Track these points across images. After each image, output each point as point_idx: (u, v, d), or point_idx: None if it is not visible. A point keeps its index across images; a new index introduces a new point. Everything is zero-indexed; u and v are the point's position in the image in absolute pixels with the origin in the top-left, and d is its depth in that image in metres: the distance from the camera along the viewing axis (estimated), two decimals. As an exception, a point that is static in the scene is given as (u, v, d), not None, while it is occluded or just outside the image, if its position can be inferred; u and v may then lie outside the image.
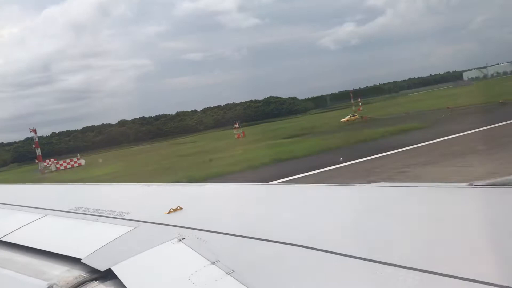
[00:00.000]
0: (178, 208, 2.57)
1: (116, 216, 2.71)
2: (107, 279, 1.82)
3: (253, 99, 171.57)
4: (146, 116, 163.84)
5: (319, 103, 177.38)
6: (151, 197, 3.56)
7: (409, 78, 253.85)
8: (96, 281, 1.84)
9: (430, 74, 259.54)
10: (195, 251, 1.82)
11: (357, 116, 73.25)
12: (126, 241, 2.20)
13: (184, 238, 1.99)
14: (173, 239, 2.00)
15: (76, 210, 3.09)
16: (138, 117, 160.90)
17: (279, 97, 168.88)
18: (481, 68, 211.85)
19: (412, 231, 1.68)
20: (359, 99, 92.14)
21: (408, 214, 1.93)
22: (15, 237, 2.72)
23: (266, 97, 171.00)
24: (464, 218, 1.73)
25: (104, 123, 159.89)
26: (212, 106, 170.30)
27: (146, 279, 1.76)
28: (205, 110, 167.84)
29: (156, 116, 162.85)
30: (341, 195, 2.56)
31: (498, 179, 2.05)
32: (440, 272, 1.24)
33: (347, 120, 71.11)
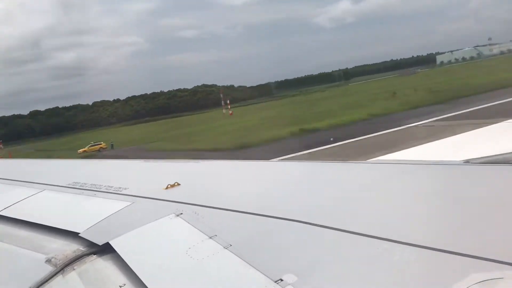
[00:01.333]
0: (176, 184, 2.59)
1: (113, 192, 2.71)
2: (105, 253, 1.84)
3: (182, 88, 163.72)
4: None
5: (263, 92, 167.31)
6: (148, 173, 3.56)
7: (382, 61, 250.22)
8: (94, 255, 1.86)
9: (402, 58, 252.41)
10: (192, 226, 1.84)
11: (103, 145, 54.83)
12: (124, 216, 2.21)
13: (181, 214, 2.00)
14: (171, 214, 2.01)
15: (73, 185, 3.07)
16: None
17: (213, 85, 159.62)
18: (453, 51, 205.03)
19: (409, 207, 1.70)
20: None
21: (405, 190, 1.96)
22: (13, 211, 2.70)
23: (197, 85, 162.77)
24: (460, 194, 1.76)
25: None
26: (136, 95, 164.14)
27: (144, 253, 1.78)
28: (128, 100, 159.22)
29: (69, 106, 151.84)
30: (338, 172, 2.58)
31: (494, 157, 2.09)
32: (436, 247, 1.26)
33: (86, 150, 52.95)
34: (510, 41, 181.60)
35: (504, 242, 1.23)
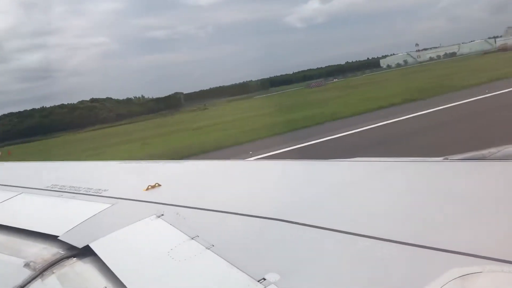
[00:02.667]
0: (156, 185, 2.58)
1: (93, 194, 2.66)
2: (85, 256, 1.82)
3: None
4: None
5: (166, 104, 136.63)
6: (128, 174, 3.50)
7: (327, 66, 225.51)
8: (74, 258, 1.84)
9: (347, 62, 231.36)
10: (174, 227, 1.83)
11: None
12: (104, 218, 2.19)
13: (163, 215, 2.00)
14: (152, 215, 2.01)
15: (52, 187, 3.01)
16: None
17: (98, 99, 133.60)
18: (386, 56, 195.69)
19: (390, 205, 1.72)
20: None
21: (386, 187, 1.98)
22: None
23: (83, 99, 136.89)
24: (439, 191, 1.79)
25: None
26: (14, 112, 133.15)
27: (125, 255, 1.77)
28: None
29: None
30: (320, 170, 2.60)
31: (473, 153, 2.12)
32: (417, 243, 1.28)
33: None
34: (453, 45, 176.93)
35: (483, 237, 1.26)
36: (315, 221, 1.59)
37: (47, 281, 1.72)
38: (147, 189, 2.55)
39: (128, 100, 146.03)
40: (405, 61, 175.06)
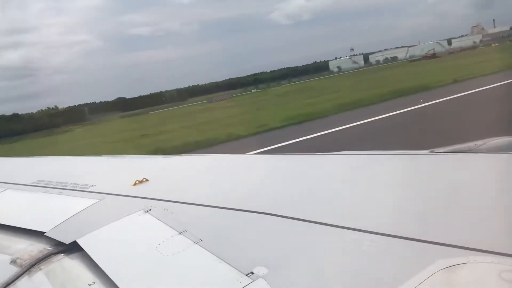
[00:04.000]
0: (144, 180, 2.57)
1: (80, 189, 2.62)
2: (72, 252, 1.81)
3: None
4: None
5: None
6: (115, 169, 3.47)
7: (279, 68, 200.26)
8: (61, 254, 1.82)
9: (302, 64, 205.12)
10: (162, 222, 1.83)
11: None
12: (91, 213, 2.18)
13: (150, 210, 2.00)
14: (140, 210, 2.01)
15: (38, 183, 2.98)
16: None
17: None
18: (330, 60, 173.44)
19: (376, 197, 1.73)
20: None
21: (372, 180, 1.99)
22: None
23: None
24: (426, 184, 1.80)
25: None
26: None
27: (113, 250, 1.76)
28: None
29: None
30: (307, 164, 2.62)
31: (458, 146, 2.14)
32: (403, 235, 1.29)
33: None
34: (397, 47, 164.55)
35: (468, 229, 1.28)
36: (302, 215, 1.61)
37: (34, 278, 1.69)
38: (135, 184, 2.54)
39: (15, 115, 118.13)
40: (339, 68, 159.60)
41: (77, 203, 2.31)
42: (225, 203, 1.93)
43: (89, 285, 1.54)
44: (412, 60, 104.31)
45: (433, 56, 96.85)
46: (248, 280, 1.26)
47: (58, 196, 2.59)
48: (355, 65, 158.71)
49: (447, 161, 2.06)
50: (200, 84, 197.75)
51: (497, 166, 1.87)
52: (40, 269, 1.74)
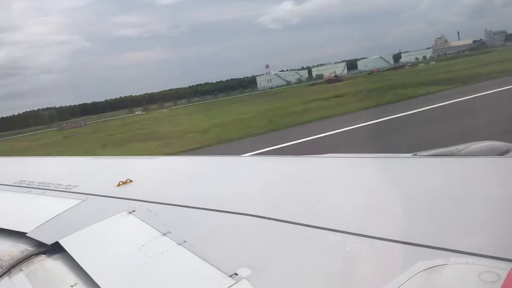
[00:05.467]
0: (128, 180, 2.56)
1: (63, 190, 2.60)
2: (54, 253, 1.79)
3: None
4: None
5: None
6: (99, 170, 3.44)
7: (219, 81, 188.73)
8: (43, 255, 1.80)
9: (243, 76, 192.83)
10: (145, 223, 1.82)
11: None
12: (74, 214, 2.16)
13: (134, 211, 1.98)
14: (123, 211, 1.99)
15: (20, 183, 2.94)
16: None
17: None
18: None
19: (359, 199, 1.75)
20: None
21: (356, 183, 2.01)
22: None
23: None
24: (408, 186, 1.82)
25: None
26: None
27: (96, 251, 1.74)
28: None
29: None
30: (291, 166, 2.63)
31: (440, 150, 2.17)
32: (385, 237, 1.31)
33: None
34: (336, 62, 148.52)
35: (448, 230, 1.30)
36: (286, 217, 1.61)
37: (15, 279, 1.67)
38: (119, 185, 2.52)
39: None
40: (270, 81, 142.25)
41: (60, 204, 2.29)
42: (209, 204, 1.93)
43: (71, 286, 1.53)
44: (313, 84, 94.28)
45: (336, 79, 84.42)
46: (231, 281, 1.26)
47: (41, 196, 2.56)
48: (271, 84, 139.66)
49: (429, 164, 2.08)
50: (133, 95, 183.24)
51: (478, 170, 1.90)
52: (21, 270, 1.72)
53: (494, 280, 1.00)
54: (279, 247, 1.44)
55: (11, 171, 3.86)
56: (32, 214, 2.32)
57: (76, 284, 1.52)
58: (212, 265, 1.37)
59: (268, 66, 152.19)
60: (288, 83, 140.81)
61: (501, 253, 1.09)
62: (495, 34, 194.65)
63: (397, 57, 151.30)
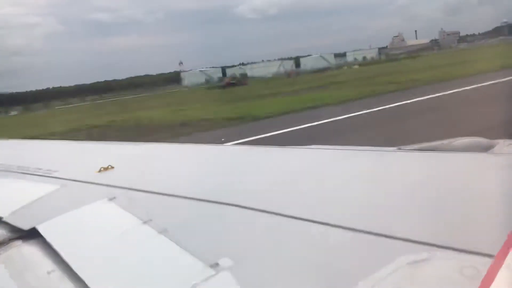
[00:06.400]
0: (109, 167, 2.52)
1: (42, 174, 2.56)
2: (31, 239, 1.75)
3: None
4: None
5: None
6: (80, 155, 3.39)
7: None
8: (19, 240, 1.77)
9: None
10: (126, 210, 1.80)
11: None
12: (53, 199, 2.12)
13: (114, 198, 1.95)
14: (104, 198, 1.96)
15: None
16: None
17: None
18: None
19: (343, 192, 1.75)
20: None
21: (339, 175, 2.01)
22: None
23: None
24: (391, 180, 1.83)
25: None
26: None
27: (74, 238, 1.71)
28: None
29: None
30: (275, 157, 2.62)
31: (425, 144, 2.17)
32: (368, 230, 1.30)
33: None
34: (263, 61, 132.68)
35: (430, 225, 1.30)
36: (268, 207, 1.61)
37: None
38: (100, 171, 2.49)
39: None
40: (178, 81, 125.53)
41: (39, 189, 2.24)
42: (191, 193, 1.91)
43: (48, 272, 1.50)
44: (209, 88, 78.29)
45: (237, 83, 71.83)
46: (212, 271, 1.24)
47: (19, 181, 2.52)
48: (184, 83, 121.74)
49: (413, 158, 2.09)
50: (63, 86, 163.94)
51: (461, 165, 1.90)
52: None
53: (474, 275, 1.00)
54: (262, 238, 1.44)
55: None
56: (9, 198, 2.28)
57: (53, 270, 1.50)
58: (193, 254, 1.35)
59: (181, 63, 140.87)
60: (193, 84, 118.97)
61: (482, 249, 1.09)
62: (449, 34, 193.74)
63: (341, 56, 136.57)
